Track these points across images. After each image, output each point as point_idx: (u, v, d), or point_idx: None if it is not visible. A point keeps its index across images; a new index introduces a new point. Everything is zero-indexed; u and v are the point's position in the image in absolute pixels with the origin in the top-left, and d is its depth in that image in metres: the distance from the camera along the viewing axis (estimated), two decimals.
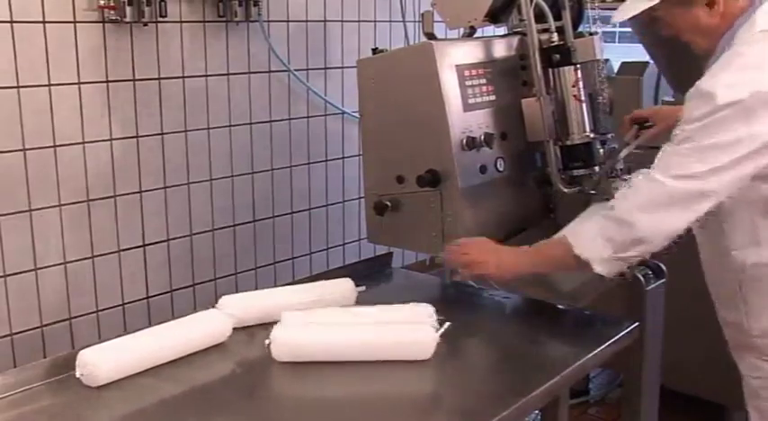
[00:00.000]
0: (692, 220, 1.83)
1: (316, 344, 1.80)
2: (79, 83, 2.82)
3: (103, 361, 1.71)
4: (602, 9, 2.51)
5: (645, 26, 2.82)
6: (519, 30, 2.38)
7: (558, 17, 2.28)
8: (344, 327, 1.87)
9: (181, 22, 3.06)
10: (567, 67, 2.26)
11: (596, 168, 2.28)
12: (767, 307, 1.94)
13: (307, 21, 3.53)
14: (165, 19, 2.97)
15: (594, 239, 1.85)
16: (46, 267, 2.84)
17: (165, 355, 1.81)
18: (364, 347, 1.80)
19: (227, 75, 3.26)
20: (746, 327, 1.98)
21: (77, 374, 1.70)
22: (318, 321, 1.87)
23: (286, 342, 1.79)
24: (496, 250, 2.03)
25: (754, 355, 2.00)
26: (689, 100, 1.82)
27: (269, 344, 1.77)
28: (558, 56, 2.25)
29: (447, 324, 1.87)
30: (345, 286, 2.16)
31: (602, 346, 1.96)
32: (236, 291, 2.22)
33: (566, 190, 2.26)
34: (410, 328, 1.87)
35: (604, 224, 1.85)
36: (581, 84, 2.28)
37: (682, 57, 3.09)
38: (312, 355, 1.79)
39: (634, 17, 1.95)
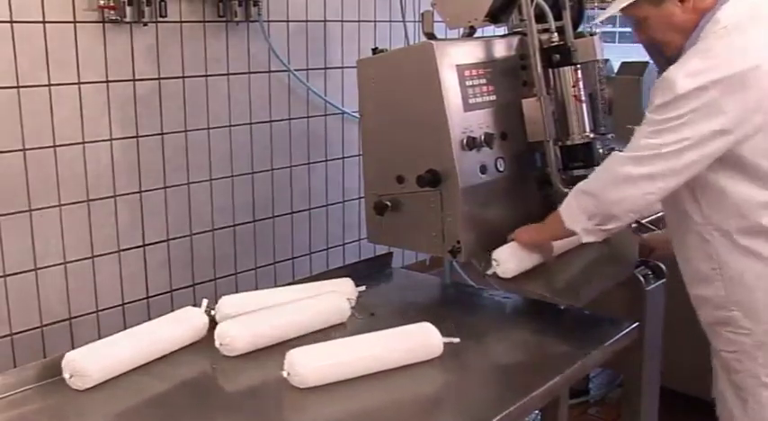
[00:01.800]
0: (654, 199, 1.96)
1: (334, 367, 1.76)
2: (79, 83, 2.82)
3: (90, 365, 1.71)
4: (602, 9, 2.51)
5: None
6: (519, 30, 2.38)
7: (558, 17, 2.28)
8: (355, 345, 1.84)
9: (181, 22, 3.06)
10: (567, 67, 2.26)
11: (596, 168, 2.28)
12: (742, 277, 1.97)
13: (307, 21, 3.53)
14: (165, 19, 2.97)
15: (576, 213, 2.03)
16: (46, 267, 2.84)
17: (149, 353, 1.82)
18: (377, 361, 1.79)
19: (227, 75, 3.26)
20: (722, 301, 2.01)
21: (66, 377, 1.71)
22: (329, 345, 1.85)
23: (305, 368, 1.73)
24: (530, 228, 2.21)
25: (729, 329, 2.03)
26: (654, 88, 1.94)
27: (288, 374, 1.73)
28: (558, 56, 2.25)
29: (456, 339, 1.89)
30: (345, 286, 2.16)
31: (603, 346, 1.97)
32: (237, 291, 2.22)
33: (566, 190, 2.25)
34: (415, 331, 1.87)
35: (581, 199, 2.03)
36: (581, 84, 2.28)
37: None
38: (331, 377, 1.75)
39: (610, 17, 2.05)
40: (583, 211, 2.01)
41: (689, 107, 1.84)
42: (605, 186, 1.99)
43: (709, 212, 1.98)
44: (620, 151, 2.01)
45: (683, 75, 1.86)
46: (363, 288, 2.19)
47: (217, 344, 1.86)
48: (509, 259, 2.15)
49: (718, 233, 1.98)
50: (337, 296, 2.07)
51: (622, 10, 1.98)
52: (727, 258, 1.98)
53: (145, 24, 2.92)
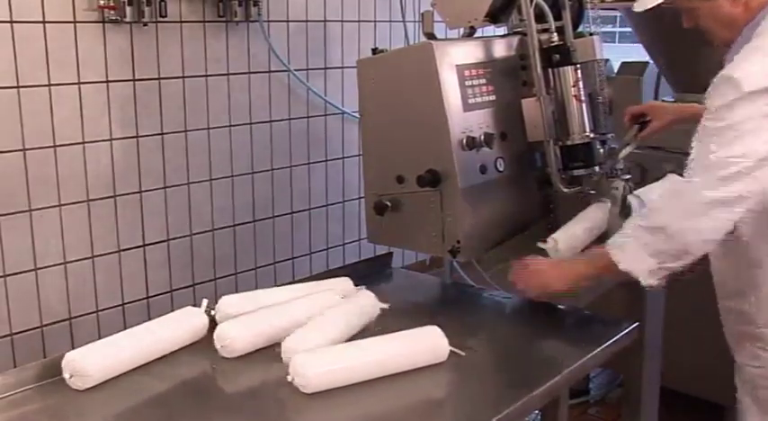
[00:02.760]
0: (731, 225, 1.78)
1: (340, 372, 1.73)
2: (79, 83, 2.82)
3: (90, 365, 1.71)
4: (602, 9, 2.51)
5: (659, 18, 2.80)
6: (519, 30, 2.38)
7: (558, 17, 2.28)
8: (361, 350, 1.81)
9: (181, 22, 3.06)
10: (567, 67, 2.26)
11: (596, 168, 2.28)
12: None
13: (307, 21, 3.53)
14: (165, 19, 2.97)
15: (637, 253, 1.82)
16: (46, 267, 2.84)
17: (149, 353, 1.81)
18: (383, 366, 1.78)
19: (227, 75, 3.27)
20: (753, 317, 1.97)
21: (66, 377, 1.70)
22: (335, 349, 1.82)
23: (310, 373, 1.71)
24: (557, 265, 2.04)
25: (757, 345, 1.99)
26: (714, 89, 1.78)
27: (293, 379, 1.71)
28: (558, 56, 2.25)
29: (462, 353, 1.85)
30: (344, 285, 2.16)
31: (602, 346, 1.96)
32: (237, 291, 2.22)
33: (566, 190, 2.26)
34: (423, 337, 1.87)
35: (644, 236, 1.82)
36: (581, 84, 2.27)
37: (681, 57, 3.11)
38: (337, 382, 1.73)
39: (656, 6, 1.92)
40: (646, 250, 1.80)
41: (757, 109, 1.69)
42: (679, 217, 1.76)
43: (747, 226, 1.87)
44: (679, 174, 1.83)
45: (747, 73, 1.72)
46: (363, 288, 2.19)
47: (217, 346, 1.85)
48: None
49: (757, 248, 1.90)
50: (335, 294, 2.06)
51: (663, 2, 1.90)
52: (765, 275, 1.91)
53: (145, 24, 2.92)
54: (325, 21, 3.60)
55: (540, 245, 2.10)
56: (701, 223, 1.75)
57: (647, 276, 1.84)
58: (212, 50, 3.19)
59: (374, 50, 2.36)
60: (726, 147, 1.72)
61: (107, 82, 2.89)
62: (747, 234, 1.91)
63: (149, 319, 1.93)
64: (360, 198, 3.68)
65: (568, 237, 2.15)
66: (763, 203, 1.79)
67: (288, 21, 3.45)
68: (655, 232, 1.80)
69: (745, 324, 2.01)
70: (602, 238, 2.27)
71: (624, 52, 4.10)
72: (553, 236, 2.14)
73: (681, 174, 2.57)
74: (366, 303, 2.03)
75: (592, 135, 2.29)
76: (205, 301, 1.98)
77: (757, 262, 1.93)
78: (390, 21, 3.88)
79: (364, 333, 1.92)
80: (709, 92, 1.78)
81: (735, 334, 2.06)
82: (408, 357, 1.80)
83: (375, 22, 3.83)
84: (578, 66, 2.27)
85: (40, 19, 2.70)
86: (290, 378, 1.70)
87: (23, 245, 2.77)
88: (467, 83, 2.19)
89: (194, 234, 3.27)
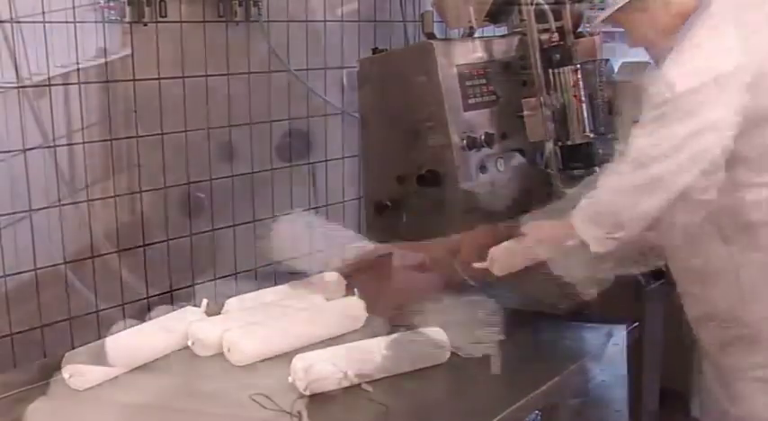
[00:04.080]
0: (664, 205, 1.88)
1: (340, 373, 1.73)
2: (79, 83, 2.82)
3: (89, 365, 1.71)
4: (602, 9, 2.51)
5: None
6: (519, 30, 2.38)
7: (558, 17, 2.28)
8: (363, 352, 1.82)
9: (181, 22, 3.06)
10: (566, 68, 2.26)
11: (596, 168, 2.28)
12: None
13: (307, 21, 3.53)
14: (165, 19, 2.97)
15: (585, 222, 1.95)
16: (46, 267, 2.84)
17: (149, 354, 1.81)
18: (384, 366, 1.78)
19: (227, 75, 3.26)
20: None
21: (65, 377, 1.70)
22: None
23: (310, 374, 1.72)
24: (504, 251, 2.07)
25: None
26: (650, 85, 1.89)
27: (293, 381, 1.72)
28: (558, 56, 2.26)
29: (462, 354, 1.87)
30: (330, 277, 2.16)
31: (602, 347, 1.96)
32: (236, 291, 2.22)
33: (566, 190, 2.26)
34: (424, 339, 1.86)
35: (588, 208, 1.96)
36: (581, 84, 2.28)
37: None
38: (338, 385, 1.74)
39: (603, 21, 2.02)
40: (591, 221, 1.96)
41: (685, 107, 1.82)
42: (613, 196, 1.93)
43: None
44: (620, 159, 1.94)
45: (680, 74, 1.83)
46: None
47: (225, 349, 1.83)
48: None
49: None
50: (350, 302, 2.05)
51: (607, 18, 1.98)
52: None
53: (145, 24, 2.91)
54: (325, 21, 3.60)
55: (477, 265, 2.10)
56: (630, 201, 1.89)
57: (594, 243, 1.95)
58: (212, 50, 3.18)
59: (374, 50, 2.36)
60: (654, 139, 1.86)
61: (107, 82, 2.89)
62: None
63: (149, 319, 1.93)
64: (360, 198, 3.68)
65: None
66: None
67: (288, 21, 3.45)
68: (596, 205, 1.94)
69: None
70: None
71: (624, 52, 4.09)
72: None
73: None
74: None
75: (592, 135, 2.29)
76: (205, 301, 1.98)
77: None
78: (390, 21, 3.88)
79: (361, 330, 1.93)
80: (648, 87, 1.90)
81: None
82: (409, 359, 1.80)
83: (375, 22, 3.83)
84: (578, 66, 2.27)
85: (41, 19, 2.69)
86: (290, 379, 1.70)
87: (23, 245, 2.77)
88: (467, 83, 2.20)
89: (194, 234, 3.26)
